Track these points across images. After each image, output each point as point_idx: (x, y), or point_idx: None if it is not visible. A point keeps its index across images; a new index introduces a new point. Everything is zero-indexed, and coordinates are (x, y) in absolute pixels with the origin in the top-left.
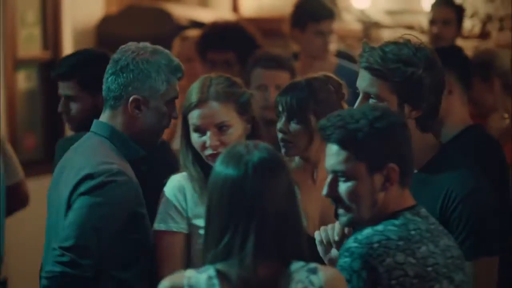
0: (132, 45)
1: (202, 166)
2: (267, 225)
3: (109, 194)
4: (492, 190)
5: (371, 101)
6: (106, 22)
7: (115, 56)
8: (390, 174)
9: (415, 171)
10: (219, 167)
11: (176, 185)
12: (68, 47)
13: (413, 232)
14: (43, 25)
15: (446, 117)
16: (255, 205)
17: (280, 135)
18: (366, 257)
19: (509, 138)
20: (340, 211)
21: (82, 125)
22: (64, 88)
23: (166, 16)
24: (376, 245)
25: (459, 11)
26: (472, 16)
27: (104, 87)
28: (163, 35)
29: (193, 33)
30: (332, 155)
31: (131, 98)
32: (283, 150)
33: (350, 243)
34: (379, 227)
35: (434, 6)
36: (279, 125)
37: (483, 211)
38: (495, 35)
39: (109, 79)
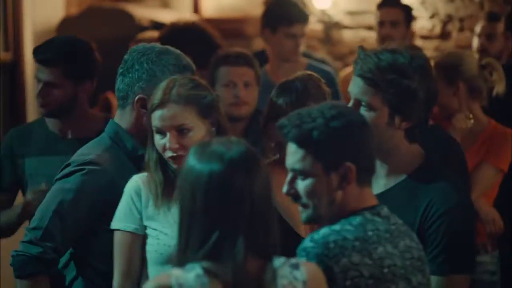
0: (141, 45)
1: (165, 169)
2: (255, 221)
3: (76, 181)
4: (472, 206)
5: (362, 108)
6: (66, 23)
7: (125, 56)
8: (346, 173)
9: (403, 178)
10: (199, 166)
11: (134, 185)
12: (29, 49)
13: (370, 233)
14: (3, 27)
15: None
16: (244, 201)
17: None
18: (322, 257)
19: (472, 140)
20: (300, 208)
21: (57, 112)
22: (46, 74)
23: (127, 17)
24: (332, 245)
25: (407, 11)
26: (432, 16)
27: (115, 87)
28: (124, 36)
29: (150, 34)
30: (291, 154)
31: (136, 98)
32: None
33: (307, 242)
34: (336, 227)
35: (381, 7)
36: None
37: (461, 228)
38: (455, 36)
39: (118, 79)
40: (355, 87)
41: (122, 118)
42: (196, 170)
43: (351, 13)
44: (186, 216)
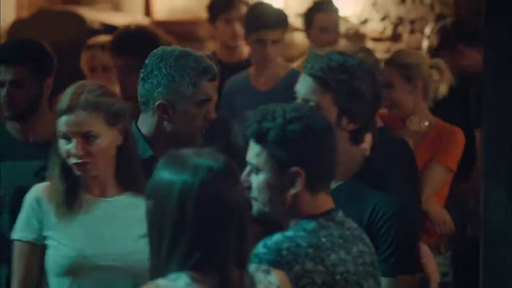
0: (160, 49)
1: (68, 176)
2: (241, 230)
3: None
4: (417, 208)
5: None
6: (17, 26)
7: (146, 60)
8: (295, 177)
9: (344, 181)
10: (185, 177)
11: (34, 194)
12: None
13: (324, 239)
14: None
15: None
16: (233, 211)
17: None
18: (274, 263)
19: (420, 139)
20: (252, 200)
21: (22, 113)
22: (11, 73)
23: (78, 20)
24: (285, 252)
25: (338, 15)
26: (383, 18)
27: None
28: (75, 39)
29: (103, 38)
30: (249, 148)
31: (157, 103)
32: None
33: (259, 248)
34: (289, 233)
35: (313, 11)
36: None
37: (408, 230)
38: (406, 38)
39: (139, 84)
40: (304, 87)
41: (143, 122)
42: (182, 182)
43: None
44: (170, 227)
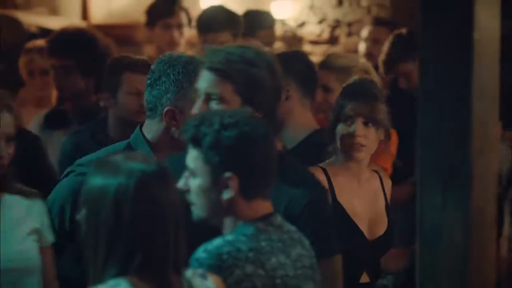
0: (167, 55)
1: None
2: (178, 234)
3: (62, 182)
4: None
5: (213, 102)
6: None
7: (152, 66)
8: (229, 183)
9: None
10: (120, 181)
11: None
12: None
13: (263, 243)
14: None
15: (287, 121)
16: (170, 215)
17: (356, 139)
18: (215, 268)
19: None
20: (191, 205)
21: None
22: None
23: (15, 24)
24: (225, 256)
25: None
26: (320, 21)
27: (144, 98)
28: (12, 43)
29: (40, 43)
30: (188, 152)
31: (165, 110)
32: (356, 154)
33: (200, 253)
34: (229, 238)
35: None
36: (355, 129)
37: (322, 218)
38: (344, 40)
39: (146, 90)
40: (204, 82)
41: (149, 128)
42: (117, 185)
43: None
44: (105, 232)
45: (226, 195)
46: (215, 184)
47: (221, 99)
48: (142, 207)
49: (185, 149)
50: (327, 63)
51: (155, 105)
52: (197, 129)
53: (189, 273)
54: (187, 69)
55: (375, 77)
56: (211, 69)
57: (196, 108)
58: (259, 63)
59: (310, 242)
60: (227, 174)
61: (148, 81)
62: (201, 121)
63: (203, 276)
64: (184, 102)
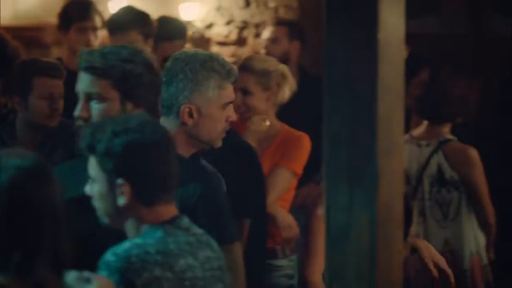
0: (183, 53)
1: None
2: (56, 234)
3: None
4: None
5: (93, 102)
6: None
7: (167, 64)
8: (122, 189)
9: None
10: None
11: None
12: None
13: (172, 246)
14: None
15: None
16: (47, 213)
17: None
18: (123, 271)
19: (266, 144)
20: None
21: None
22: None
23: None
24: (134, 259)
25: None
26: (228, 23)
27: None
28: None
29: None
30: (89, 159)
31: (182, 107)
32: None
33: (108, 256)
34: (138, 241)
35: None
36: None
37: (216, 208)
38: (252, 42)
39: (162, 88)
40: (82, 83)
41: (166, 125)
42: None
43: None
44: None
45: (121, 201)
46: (111, 190)
47: (100, 97)
48: (15, 205)
49: (199, 147)
50: (246, 66)
51: (171, 102)
52: (92, 136)
53: (71, 275)
54: (205, 67)
55: (291, 82)
56: (87, 69)
57: (78, 110)
58: (135, 59)
59: (207, 231)
60: (119, 181)
61: (164, 79)
62: (96, 129)
63: (87, 280)
64: (201, 99)
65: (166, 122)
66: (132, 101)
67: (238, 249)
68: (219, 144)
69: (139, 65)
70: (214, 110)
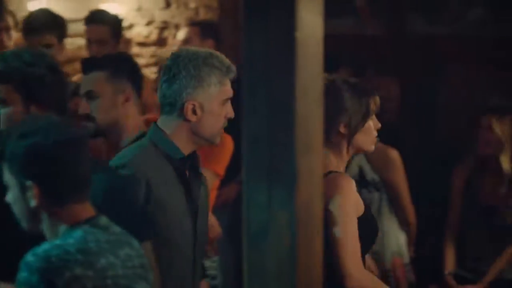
0: (183, 51)
1: None
2: None
3: None
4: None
5: None
6: None
7: (167, 62)
8: (31, 192)
9: None
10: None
11: None
12: None
13: (92, 244)
14: None
15: (126, 124)
16: None
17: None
18: (43, 270)
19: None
20: None
21: None
22: None
23: None
24: (54, 259)
25: (115, 27)
26: (148, 23)
27: (158, 94)
28: None
29: None
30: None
31: (185, 104)
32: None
33: (28, 257)
34: (57, 241)
35: (87, 24)
36: (377, 124)
37: (124, 208)
38: (172, 42)
39: (163, 86)
40: None
41: (167, 123)
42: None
43: (70, 21)
44: None
45: (32, 203)
46: (22, 194)
47: (3, 101)
48: None
49: (199, 144)
50: None
51: (175, 99)
52: (2, 142)
53: None
54: (207, 63)
55: None
56: None
57: None
58: (36, 62)
59: None
60: (28, 184)
61: (166, 77)
62: (7, 134)
63: None
64: (204, 96)
65: (169, 120)
66: (35, 104)
67: (148, 248)
68: (218, 140)
69: (41, 67)
70: (216, 106)
